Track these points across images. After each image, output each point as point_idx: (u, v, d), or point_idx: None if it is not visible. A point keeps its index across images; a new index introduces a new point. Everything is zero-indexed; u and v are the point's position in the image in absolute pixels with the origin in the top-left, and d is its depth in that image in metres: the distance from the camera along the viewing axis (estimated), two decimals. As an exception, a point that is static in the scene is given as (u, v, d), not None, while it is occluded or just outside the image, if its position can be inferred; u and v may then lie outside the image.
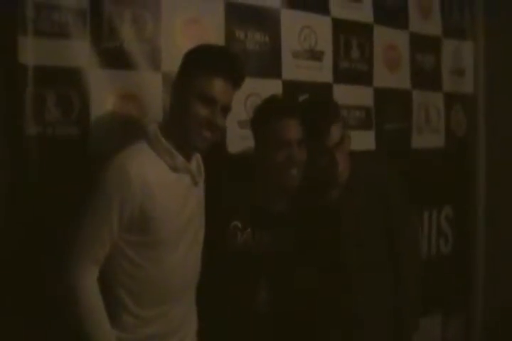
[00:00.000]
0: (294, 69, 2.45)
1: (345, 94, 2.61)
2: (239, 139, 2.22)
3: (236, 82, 1.67)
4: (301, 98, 2.15)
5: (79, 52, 1.87)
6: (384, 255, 1.96)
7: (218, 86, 1.61)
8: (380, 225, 1.93)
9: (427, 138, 3.05)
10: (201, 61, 1.63)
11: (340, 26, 2.61)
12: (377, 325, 1.92)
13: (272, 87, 2.32)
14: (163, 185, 1.59)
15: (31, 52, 1.78)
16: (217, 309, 1.82)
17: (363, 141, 2.71)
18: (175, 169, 1.64)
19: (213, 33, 2.20)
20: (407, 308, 1.96)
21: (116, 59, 1.95)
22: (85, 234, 1.54)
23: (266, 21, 2.36)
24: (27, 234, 1.77)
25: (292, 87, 2.40)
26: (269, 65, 2.37)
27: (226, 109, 1.66)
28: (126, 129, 1.92)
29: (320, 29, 2.54)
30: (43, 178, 1.80)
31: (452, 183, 3.19)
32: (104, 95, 1.92)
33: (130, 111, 1.97)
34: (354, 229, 1.91)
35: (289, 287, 1.87)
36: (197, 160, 1.77)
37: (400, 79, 2.91)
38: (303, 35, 2.48)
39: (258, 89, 2.24)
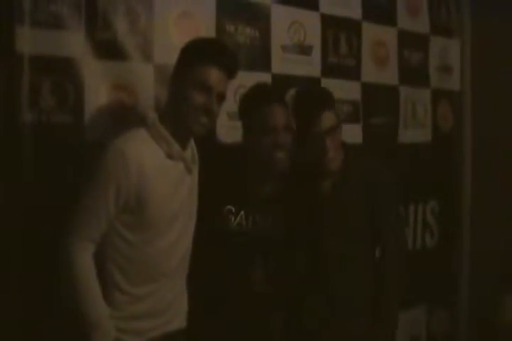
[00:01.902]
0: (283, 63, 2.50)
1: (333, 88, 2.57)
2: (228, 130, 2.28)
3: (230, 72, 1.77)
4: (293, 90, 2.21)
5: (74, 42, 1.92)
6: (368, 249, 2.01)
7: (214, 75, 1.71)
8: (367, 221, 1.98)
9: (414, 133, 3.11)
10: (198, 52, 1.73)
11: (329, 22, 2.67)
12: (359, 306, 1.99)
13: (261, 80, 2.36)
14: (159, 170, 1.67)
15: (28, 41, 1.83)
16: (212, 290, 1.88)
17: (350, 134, 2.74)
18: (170, 156, 1.71)
19: (204, 26, 2.25)
20: (386, 303, 1.99)
21: (109, 50, 2.00)
22: (83, 214, 1.62)
23: (256, 16, 2.41)
24: (26, 216, 1.83)
25: (281, 81, 2.46)
26: (259, 58, 2.43)
27: (221, 97, 1.75)
28: (119, 118, 1.98)
29: (309, 24, 2.60)
30: (38, 164, 1.85)
31: (438, 177, 3.26)
32: (97, 85, 1.97)
33: (123, 101, 2.03)
34: (341, 221, 1.96)
35: (282, 266, 1.94)
36: (191, 149, 1.84)
37: (387, 75, 2.97)
38: (292, 29, 2.53)
39: (247, 82, 2.25)
